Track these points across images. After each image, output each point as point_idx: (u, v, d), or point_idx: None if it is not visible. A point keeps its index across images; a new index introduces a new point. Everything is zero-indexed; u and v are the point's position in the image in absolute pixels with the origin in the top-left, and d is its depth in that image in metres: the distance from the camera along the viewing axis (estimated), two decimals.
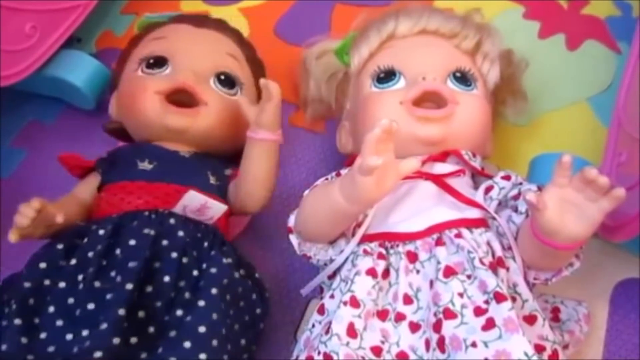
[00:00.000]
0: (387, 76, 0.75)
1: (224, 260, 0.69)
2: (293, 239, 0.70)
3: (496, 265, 0.63)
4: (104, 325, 0.61)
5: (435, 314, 0.60)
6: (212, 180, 0.78)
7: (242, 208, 0.78)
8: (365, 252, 0.65)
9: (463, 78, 0.75)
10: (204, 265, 0.68)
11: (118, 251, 0.67)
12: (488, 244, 0.64)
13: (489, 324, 0.58)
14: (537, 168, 0.76)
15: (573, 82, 0.90)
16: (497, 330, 0.57)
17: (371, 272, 0.64)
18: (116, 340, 0.60)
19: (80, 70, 0.89)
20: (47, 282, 0.67)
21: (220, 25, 0.86)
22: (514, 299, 0.62)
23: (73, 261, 0.68)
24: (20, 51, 0.84)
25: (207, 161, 0.79)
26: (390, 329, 0.62)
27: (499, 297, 0.59)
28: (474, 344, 0.57)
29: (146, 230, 0.69)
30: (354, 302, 0.62)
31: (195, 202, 0.73)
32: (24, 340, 0.62)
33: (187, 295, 0.66)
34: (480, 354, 0.57)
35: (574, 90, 0.90)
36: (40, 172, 0.91)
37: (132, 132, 0.82)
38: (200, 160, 0.79)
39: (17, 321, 0.63)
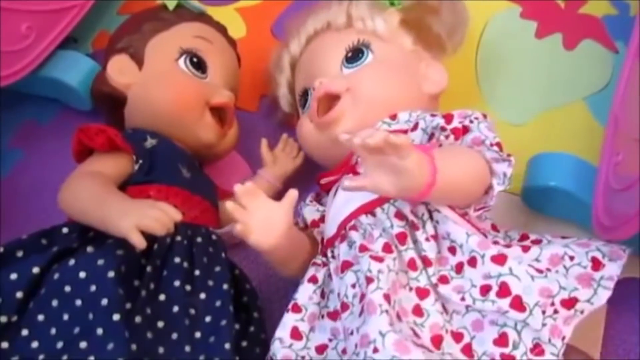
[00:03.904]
0: (304, 98, 0.79)
1: (223, 255, 0.71)
2: None
3: (411, 229, 0.64)
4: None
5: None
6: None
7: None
8: (313, 263, 0.70)
9: (354, 55, 0.76)
10: (207, 264, 0.69)
11: (165, 272, 0.67)
12: (397, 214, 0.65)
13: (362, 310, 0.60)
14: (534, 168, 0.76)
15: (570, 81, 0.90)
16: (364, 315, 0.59)
17: (312, 279, 0.68)
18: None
19: (76, 71, 0.89)
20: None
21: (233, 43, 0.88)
22: (453, 249, 0.63)
23: (148, 268, 0.66)
24: (17, 52, 0.83)
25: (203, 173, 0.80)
26: (340, 327, 0.64)
27: (367, 280, 0.60)
28: (351, 333, 0.60)
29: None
30: (295, 308, 0.66)
31: None
32: (133, 347, 0.60)
33: (202, 296, 0.67)
34: (352, 341, 0.59)
35: (571, 90, 0.89)
36: (38, 172, 0.90)
37: (144, 114, 0.78)
38: (203, 172, 0.80)
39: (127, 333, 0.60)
